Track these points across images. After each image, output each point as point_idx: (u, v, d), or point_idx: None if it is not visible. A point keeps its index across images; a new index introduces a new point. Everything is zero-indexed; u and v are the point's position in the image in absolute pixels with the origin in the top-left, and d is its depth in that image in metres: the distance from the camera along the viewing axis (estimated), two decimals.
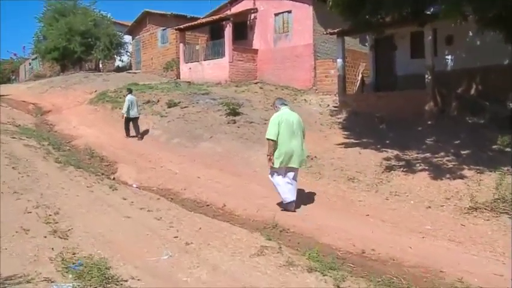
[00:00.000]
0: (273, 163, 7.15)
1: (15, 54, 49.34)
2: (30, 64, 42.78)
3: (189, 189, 8.73)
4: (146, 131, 14.90)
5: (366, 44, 25.68)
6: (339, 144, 12.94)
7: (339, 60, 17.94)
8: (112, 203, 7.08)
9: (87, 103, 20.81)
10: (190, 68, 23.41)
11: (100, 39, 32.13)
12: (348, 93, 20.01)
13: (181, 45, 24.23)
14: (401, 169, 10.34)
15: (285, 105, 7.62)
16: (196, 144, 13.01)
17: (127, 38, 34.67)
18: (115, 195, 7.70)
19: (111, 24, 34.22)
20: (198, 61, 23.18)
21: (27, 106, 20.86)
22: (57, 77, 30.31)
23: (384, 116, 15.75)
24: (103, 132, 14.88)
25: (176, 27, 24.36)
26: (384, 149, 12.14)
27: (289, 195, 7.30)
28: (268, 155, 7.19)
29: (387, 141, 12.97)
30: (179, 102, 17.07)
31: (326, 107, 19.14)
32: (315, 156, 11.61)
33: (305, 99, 19.93)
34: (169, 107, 16.74)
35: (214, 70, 22.25)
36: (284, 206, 7.42)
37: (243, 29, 23.19)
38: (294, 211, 7.38)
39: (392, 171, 10.26)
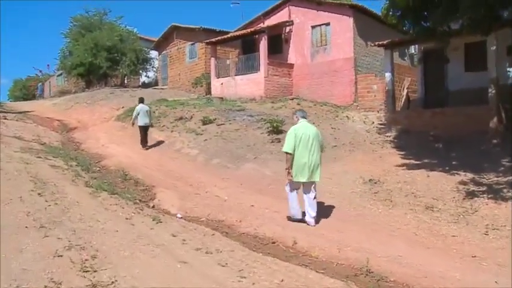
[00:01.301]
0: (291, 176, 7.12)
1: (40, 71, 49.26)
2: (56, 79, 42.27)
3: (246, 221, 7.32)
4: (160, 142, 14.72)
5: (405, 58, 24.30)
6: (399, 166, 11.51)
7: (388, 74, 16.53)
8: (160, 242, 5.70)
9: (114, 119, 19.73)
10: (222, 84, 22.20)
11: (126, 55, 31.40)
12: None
13: (212, 59, 23.08)
14: (486, 196, 8.90)
15: (304, 118, 7.56)
16: (239, 165, 11.67)
17: (153, 54, 33.87)
18: (161, 229, 6.33)
19: (137, 39, 33.48)
20: (230, 76, 21.94)
21: (52, 123, 19.84)
22: (82, 93, 29.48)
23: (440, 134, 14.29)
24: (134, 151, 13.63)
25: (207, 41, 23.26)
26: (454, 172, 10.70)
27: (299, 213, 7.32)
28: (286, 169, 7.18)
29: (454, 163, 11.50)
30: (215, 119, 15.80)
31: (371, 124, 17.72)
32: (378, 180, 10.18)
33: (347, 116, 18.54)
34: (204, 124, 15.48)
35: (248, 85, 20.99)
36: (292, 220, 7.38)
37: (277, 42, 21.97)
38: (314, 226, 7.20)
39: (476, 198, 8.84)
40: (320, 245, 6.21)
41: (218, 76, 22.69)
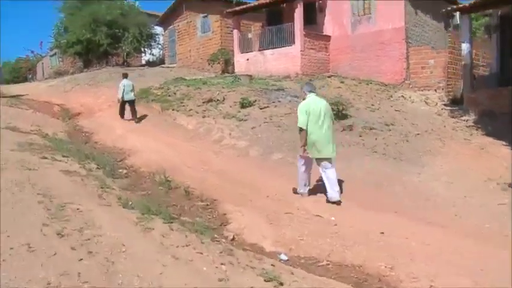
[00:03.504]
0: (307, 153, 6.85)
1: (32, 52, 45.48)
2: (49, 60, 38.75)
3: (402, 267, 4.42)
4: (144, 116, 14.24)
5: (449, 28, 21.24)
6: None
7: (466, 46, 13.67)
8: None
9: None
10: (247, 59, 19.09)
11: (128, 30, 28.05)
12: (451, 87, 15.71)
13: (235, 32, 19.89)
14: None
15: (313, 92, 7.18)
16: None
17: (158, 30, 30.58)
18: None
19: (141, 13, 30.02)
20: (259, 50, 18.81)
21: (51, 108, 16.75)
22: (81, 74, 26.17)
23: None
24: (163, 143, 10.65)
25: (230, 10, 19.97)
26: None
27: (305, 189, 7.10)
28: (302, 146, 6.89)
29: None
30: (255, 101, 12.81)
31: (435, 105, 14.85)
32: None
33: (403, 96, 15.68)
34: (243, 107, 12.52)
35: (280, 61, 17.93)
36: (300, 193, 7.09)
37: (310, 11, 18.78)
38: (339, 204, 6.70)
39: None
40: None
41: (243, 51, 19.54)
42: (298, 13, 17.42)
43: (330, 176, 6.81)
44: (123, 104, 14.29)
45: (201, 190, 7.02)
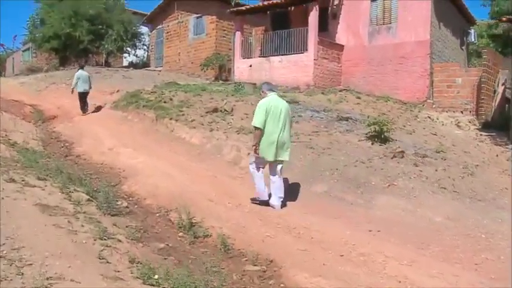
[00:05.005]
0: (257, 152, 6.29)
1: (1, 45, 42.15)
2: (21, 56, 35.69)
3: None
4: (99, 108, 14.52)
5: (463, 47, 19.74)
6: None
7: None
8: None
9: (110, 107, 14.33)
10: (250, 66, 16.98)
11: (112, 27, 25.58)
12: (481, 111, 14.02)
13: (237, 34, 17.76)
14: None
15: (273, 91, 6.73)
16: (368, 198, 6.77)
17: (144, 30, 28.25)
18: None
19: (126, 10, 27.62)
20: (264, 56, 16.74)
21: (22, 108, 14.23)
22: (57, 72, 23.48)
23: None
24: (167, 162, 8.39)
25: (233, 9, 17.86)
26: None
27: (265, 194, 6.43)
28: (253, 145, 6.39)
29: None
30: None
31: (467, 129, 13.13)
32: None
33: (429, 117, 13.87)
34: None
35: (288, 69, 15.93)
36: (258, 201, 6.41)
37: (322, 17, 16.85)
38: (280, 208, 6.32)
39: None
40: None
41: (244, 56, 17.45)
42: (313, 17, 15.50)
43: (277, 179, 6.47)
44: (81, 97, 14.13)
45: (243, 241, 4.85)
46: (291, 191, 7.05)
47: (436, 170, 7.92)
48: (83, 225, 4.38)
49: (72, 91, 14.11)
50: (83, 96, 14.15)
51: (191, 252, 4.59)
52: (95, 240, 4.08)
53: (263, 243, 4.89)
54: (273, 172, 6.51)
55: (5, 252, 3.43)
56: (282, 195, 6.44)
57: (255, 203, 6.39)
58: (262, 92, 6.79)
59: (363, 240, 5.36)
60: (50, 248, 3.67)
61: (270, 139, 6.29)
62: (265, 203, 6.35)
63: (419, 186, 7.14)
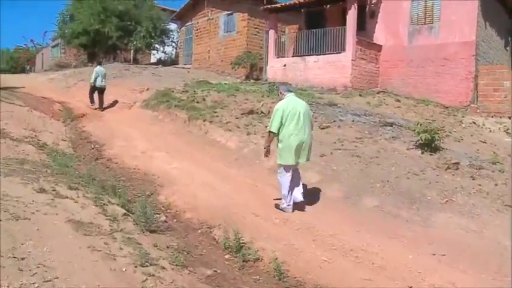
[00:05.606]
0: (268, 156, 6.48)
1: (31, 41, 42.44)
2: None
3: None
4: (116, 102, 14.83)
5: (507, 48, 18.74)
6: None
7: None
8: None
9: (140, 106, 13.94)
10: (284, 65, 16.37)
11: (141, 23, 25.26)
12: None
13: (271, 32, 17.15)
14: None
15: (291, 91, 6.57)
16: (425, 215, 6.14)
17: (172, 26, 27.89)
18: None
19: (155, 7, 27.31)
20: (299, 56, 16.10)
21: (51, 106, 13.92)
22: (86, 68, 23.29)
23: None
24: (204, 169, 7.87)
25: (267, 7, 17.28)
26: None
27: (290, 199, 6.21)
28: (265, 148, 6.41)
29: None
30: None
31: None
32: None
33: (474, 123, 13.03)
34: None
35: (325, 70, 15.25)
36: (282, 208, 6.18)
37: (359, 15, 16.08)
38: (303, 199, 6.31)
39: None
40: None
41: (278, 55, 16.85)
42: (352, 16, 14.80)
43: (298, 180, 6.41)
44: (93, 90, 14.34)
45: (298, 267, 4.30)
46: (340, 204, 6.45)
47: (496, 185, 7.20)
48: (121, 248, 3.88)
49: (90, 84, 14.27)
50: (99, 92, 14.31)
51: (242, 280, 4.04)
52: (135, 267, 3.58)
53: (320, 269, 4.33)
54: (293, 174, 6.35)
55: (36, 285, 2.94)
56: (302, 198, 6.35)
57: (278, 209, 6.22)
58: (280, 93, 6.68)
59: (428, 266, 4.76)
60: (86, 279, 3.19)
61: (290, 141, 6.16)
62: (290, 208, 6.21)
63: (481, 203, 6.45)
